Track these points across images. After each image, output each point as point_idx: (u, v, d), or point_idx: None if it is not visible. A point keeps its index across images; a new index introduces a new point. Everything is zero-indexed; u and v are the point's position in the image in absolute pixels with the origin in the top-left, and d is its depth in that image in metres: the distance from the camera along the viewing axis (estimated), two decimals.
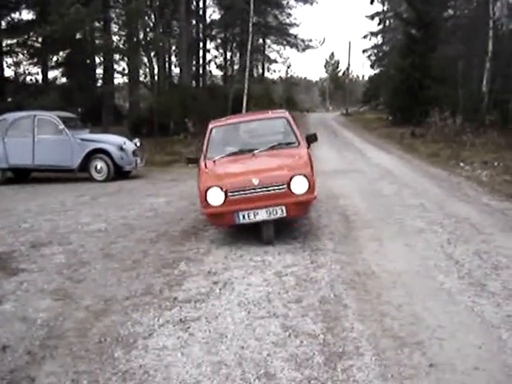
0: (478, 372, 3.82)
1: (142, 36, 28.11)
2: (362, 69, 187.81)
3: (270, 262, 6.32)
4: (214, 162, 7.70)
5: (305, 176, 6.85)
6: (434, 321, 4.63)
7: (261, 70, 45.56)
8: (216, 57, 39.66)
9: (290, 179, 6.78)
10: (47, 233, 8.45)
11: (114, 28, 28.20)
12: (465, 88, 27.49)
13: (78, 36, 26.97)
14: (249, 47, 26.69)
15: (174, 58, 35.64)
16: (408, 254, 6.61)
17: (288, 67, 53.19)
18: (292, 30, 42.60)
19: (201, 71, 38.20)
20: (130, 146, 15.17)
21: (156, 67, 29.24)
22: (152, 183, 14.15)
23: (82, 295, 5.62)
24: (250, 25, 26.65)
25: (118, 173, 14.71)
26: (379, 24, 54.62)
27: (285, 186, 6.75)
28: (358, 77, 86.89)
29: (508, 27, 28.56)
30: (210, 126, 8.54)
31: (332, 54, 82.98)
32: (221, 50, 40.43)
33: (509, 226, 7.86)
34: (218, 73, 42.25)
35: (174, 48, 33.45)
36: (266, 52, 45.09)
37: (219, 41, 39.97)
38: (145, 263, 6.63)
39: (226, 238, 7.61)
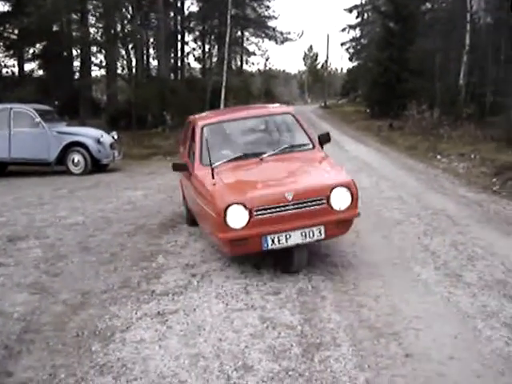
0: (453, 361, 3.86)
1: (119, 28, 27.94)
2: (341, 62, 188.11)
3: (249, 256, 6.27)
4: (213, 170, 5.87)
5: (347, 187, 5.52)
6: (411, 311, 4.67)
7: (239, 63, 45.42)
8: (194, 49, 39.42)
9: (330, 192, 5.46)
10: (24, 226, 8.38)
11: (91, 20, 27.92)
12: (442, 81, 27.66)
13: (54, 28, 26.71)
14: (227, 40, 26.63)
15: (152, 51, 35.47)
16: (385, 245, 6.66)
17: (266, 60, 53.27)
18: (270, 23, 42.50)
19: (179, 64, 38.00)
20: (107, 138, 15.07)
21: (134, 60, 28.98)
22: (130, 176, 14.08)
23: (59, 289, 5.59)
24: (229, 17, 26.59)
25: (96, 166, 14.62)
26: (357, 17, 54.70)
27: (324, 200, 5.42)
28: (336, 70, 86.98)
29: (485, 21, 28.71)
30: (200, 124, 6.82)
31: (310, 46, 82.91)
32: (199, 43, 40.22)
33: (485, 217, 7.95)
34: (196, 65, 42.04)
35: (151, 40, 33.25)
36: (245, 44, 44.99)
37: (197, 33, 39.76)
38: (122, 256, 6.60)
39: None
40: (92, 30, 27.29)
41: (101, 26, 27.06)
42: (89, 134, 14.90)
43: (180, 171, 6.99)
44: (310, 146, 6.69)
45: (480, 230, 7.05)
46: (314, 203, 5.38)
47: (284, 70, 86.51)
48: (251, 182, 5.88)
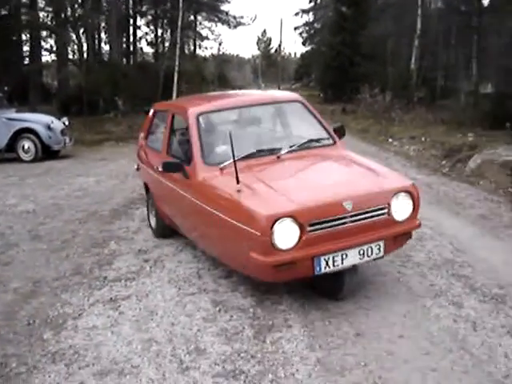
0: (402, 340, 3.96)
1: (70, 12, 27.33)
2: (294, 46, 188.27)
3: None
4: (223, 170, 4.86)
5: (409, 192, 4.60)
6: (361, 292, 4.75)
7: (192, 48, 45.02)
8: (147, 33, 38.86)
9: (392, 198, 4.49)
10: None
11: (41, 4, 27.28)
12: (394, 65, 27.91)
13: (2, 12, 26.03)
14: (179, 24, 26.29)
15: (103, 35, 34.85)
16: None
17: (220, 44, 52.77)
18: (223, 7, 42.10)
19: (131, 48, 37.44)
20: (58, 124, 14.78)
21: (85, 44, 28.45)
22: (81, 163, 13.88)
23: (9, 278, 5.51)
24: (181, 1, 26.26)
25: (47, 153, 14.33)
26: (310, 1, 54.64)
27: (385, 209, 4.43)
28: (290, 54, 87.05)
29: (436, 6, 29.07)
30: (193, 112, 5.45)
31: (264, 31, 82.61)
32: (151, 27, 39.64)
33: (435, 199, 8.11)
34: (149, 50, 41.51)
35: (103, 25, 32.68)
36: (198, 29, 44.56)
37: (150, 17, 39.18)
38: (74, 243, 6.53)
39: None
40: (42, 13, 26.69)
41: (51, 9, 26.45)
42: (39, 120, 14.59)
43: (174, 172, 5.29)
44: (330, 141, 5.59)
45: (430, 211, 7.18)
46: (374, 213, 4.37)
47: (238, 55, 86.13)
48: (288, 187, 4.50)
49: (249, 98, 6.53)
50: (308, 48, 56.52)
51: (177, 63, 25.27)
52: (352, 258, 4.29)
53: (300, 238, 4.08)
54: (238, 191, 4.41)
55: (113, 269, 5.61)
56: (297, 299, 4.65)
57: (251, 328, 4.20)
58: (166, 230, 6.46)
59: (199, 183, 4.96)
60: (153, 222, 6.79)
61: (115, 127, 20.62)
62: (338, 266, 4.24)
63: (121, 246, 6.35)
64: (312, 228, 4.11)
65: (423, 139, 14.32)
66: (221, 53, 48.59)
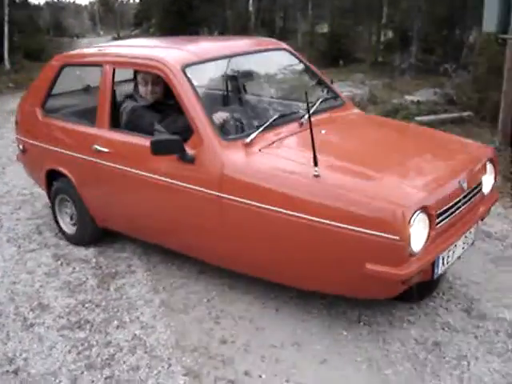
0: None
1: None
2: None
3: (40, 194, 6.00)
4: (251, 146, 3.50)
5: (492, 160, 3.83)
6: None
7: None
8: None
9: (485, 169, 3.71)
10: None
11: None
12: (233, 8, 28.05)
13: None
14: None
15: None
16: None
17: None
18: None
19: None
20: None
21: None
22: None
23: None
24: None
25: None
26: None
27: (480, 184, 3.64)
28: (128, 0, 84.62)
29: None
30: (178, 64, 3.78)
31: None
32: None
33: None
34: None
35: None
36: None
37: None
38: None
39: None
40: None
41: None
42: None
43: (168, 154, 3.58)
44: (340, 100, 4.49)
45: None
46: (476, 190, 3.57)
47: (74, 1, 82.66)
48: (388, 168, 3.37)
49: (233, 44, 4.84)
50: None
51: (6, 12, 23.74)
52: (458, 249, 3.43)
53: (429, 235, 3.08)
54: (316, 176, 3.12)
55: None
56: (139, 246, 4.67)
57: (94, 278, 4.21)
58: (95, 235, 4.80)
59: (230, 170, 3.42)
60: (69, 225, 4.95)
61: None
62: (449, 262, 3.38)
63: None
64: (439, 219, 3.14)
65: None
66: (55, 0, 46.33)
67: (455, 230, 3.30)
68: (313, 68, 4.66)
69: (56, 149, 4.65)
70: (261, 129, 3.59)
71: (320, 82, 4.58)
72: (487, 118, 8.33)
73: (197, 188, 3.54)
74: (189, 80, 3.69)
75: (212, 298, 3.83)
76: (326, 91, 4.51)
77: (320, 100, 4.14)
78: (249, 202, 3.30)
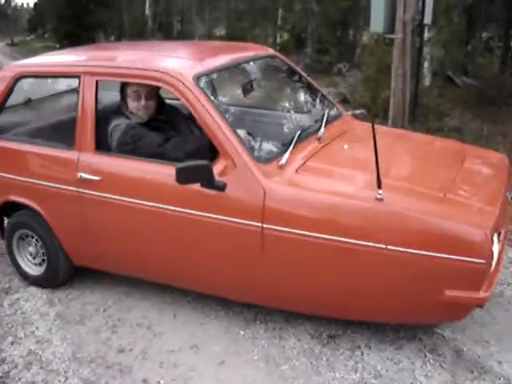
0: (138, 282, 4.09)
1: None
2: None
3: None
4: (285, 168, 3.09)
5: None
6: None
7: None
8: None
9: None
10: None
11: None
12: (129, 12, 27.75)
13: None
14: None
15: None
16: None
17: None
18: None
19: None
20: None
21: None
22: None
23: None
24: None
25: None
26: None
27: None
28: (22, 4, 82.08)
29: None
30: (189, 73, 3.23)
31: None
32: None
33: None
34: None
35: None
36: None
37: None
38: None
39: None
40: None
41: None
42: None
43: (195, 182, 3.03)
44: (338, 110, 4.19)
45: None
46: None
47: None
48: (446, 186, 3.08)
49: (231, 51, 4.18)
50: None
51: None
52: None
53: (499, 254, 2.97)
54: (379, 200, 2.82)
55: None
56: None
57: None
58: (66, 275, 4.04)
59: (272, 197, 2.98)
60: (32, 265, 4.14)
61: None
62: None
63: None
64: (498, 237, 2.95)
65: None
66: None
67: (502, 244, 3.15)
68: (305, 76, 4.35)
69: (15, 177, 3.83)
70: (291, 147, 3.18)
71: (315, 91, 4.27)
72: (379, 115, 8.65)
73: (230, 219, 3.06)
74: (204, 93, 3.19)
75: (109, 307, 3.79)
76: (325, 101, 4.20)
77: (327, 111, 3.82)
78: (301, 232, 2.92)
